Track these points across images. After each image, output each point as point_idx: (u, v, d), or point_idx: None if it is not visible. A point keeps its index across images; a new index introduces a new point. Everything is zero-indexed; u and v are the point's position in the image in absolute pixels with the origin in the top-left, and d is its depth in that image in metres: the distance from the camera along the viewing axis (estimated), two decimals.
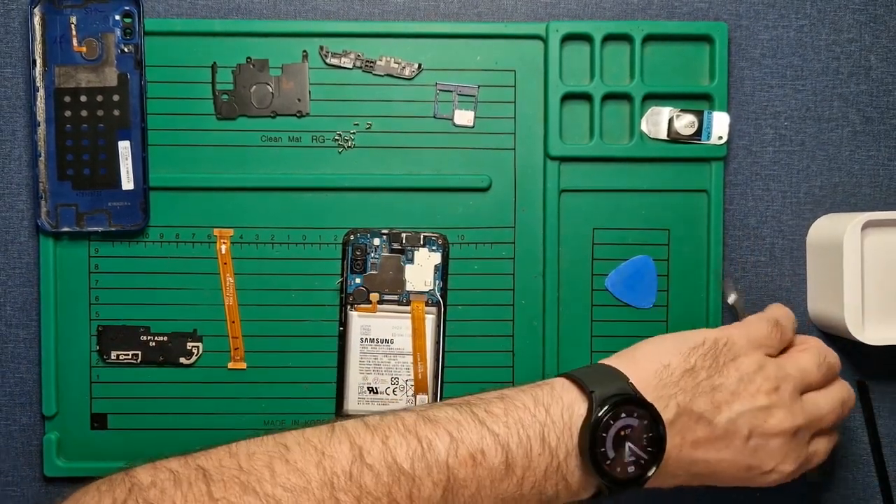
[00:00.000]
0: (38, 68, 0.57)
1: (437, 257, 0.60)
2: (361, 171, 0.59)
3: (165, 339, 0.59)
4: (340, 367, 0.60)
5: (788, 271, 0.61)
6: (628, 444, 0.45)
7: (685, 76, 0.60)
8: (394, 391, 0.59)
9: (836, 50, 0.61)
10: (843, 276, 0.56)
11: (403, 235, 0.59)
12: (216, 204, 0.59)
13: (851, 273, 0.56)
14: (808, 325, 0.61)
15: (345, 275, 0.59)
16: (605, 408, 0.44)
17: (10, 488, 0.60)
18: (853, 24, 0.61)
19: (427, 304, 0.59)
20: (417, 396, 0.60)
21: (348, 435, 0.43)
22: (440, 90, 0.59)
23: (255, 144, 0.59)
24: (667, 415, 0.45)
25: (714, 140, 0.59)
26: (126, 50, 0.58)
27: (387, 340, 0.59)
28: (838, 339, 0.61)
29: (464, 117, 0.60)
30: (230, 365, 0.60)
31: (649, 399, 0.45)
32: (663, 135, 0.60)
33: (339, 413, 0.60)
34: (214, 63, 0.59)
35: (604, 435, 0.44)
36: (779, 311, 0.54)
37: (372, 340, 0.59)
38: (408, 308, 0.59)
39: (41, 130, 0.58)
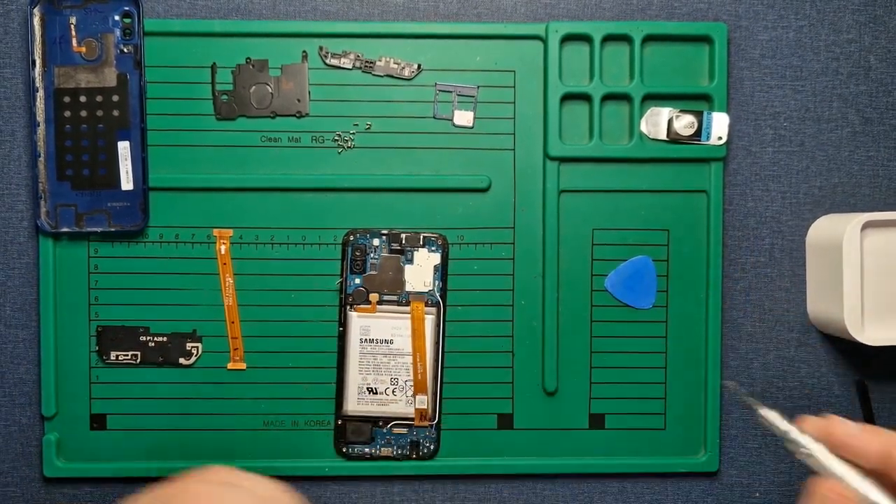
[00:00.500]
0: (38, 69, 0.57)
1: (436, 258, 0.60)
2: (361, 171, 0.59)
3: (165, 339, 0.59)
4: (340, 367, 0.60)
5: (788, 272, 0.61)
6: None
7: (685, 77, 0.60)
8: (393, 391, 0.59)
9: (835, 50, 0.61)
10: (843, 277, 0.56)
11: (403, 236, 0.59)
12: (216, 204, 0.59)
13: (851, 273, 0.56)
14: (807, 326, 0.61)
15: (344, 275, 0.59)
16: None
17: (9, 489, 0.60)
18: (852, 24, 0.61)
19: (426, 305, 0.59)
20: (417, 397, 0.60)
21: None
22: (440, 91, 0.59)
23: (255, 145, 0.59)
24: None
25: (713, 140, 0.59)
26: (125, 50, 0.58)
27: (386, 341, 0.59)
28: (837, 340, 0.61)
29: (463, 118, 0.60)
30: (230, 365, 0.60)
31: None
32: (663, 135, 0.60)
33: (339, 413, 0.60)
34: (214, 63, 0.59)
35: None
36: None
37: (371, 341, 0.59)
38: (407, 308, 0.59)
39: (41, 131, 0.58)
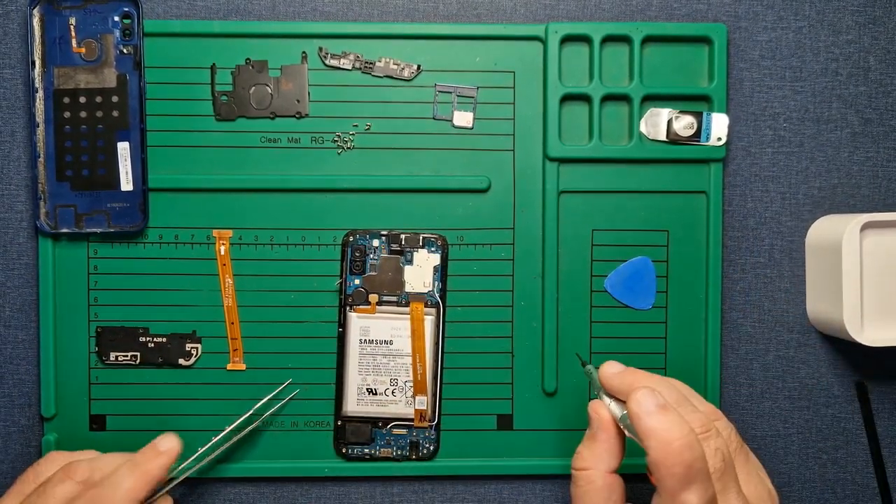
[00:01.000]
0: (37, 69, 0.57)
1: (436, 258, 0.60)
2: (360, 172, 0.59)
3: (164, 340, 0.59)
4: (339, 368, 0.60)
5: (787, 272, 0.61)
6: None
7: (684, 77, 0.60)
8: (393, 392, 0.59)
9: (834, 51, 0.61)
10: (842, 278, 0.56)
11: (402, 236, 0.59)
12: (215, 205, 0.59)
13: (850, 274, 0.56)
14: (807, 327, 0.61)
15: (344, 276, 0.59)
16: None
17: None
18: (852, 25, 0.61)
19: (426, 306, 0.59)
20: (416, 397, 0.60)
21: None
22: (439, 91, 0.59)
23: (255, 145, 0.59)
24: None
25: (713, 141, 0.59)
26: (125, 51, 0.58)
27: (386, 341, 0.59)
28: (837, 341, 0.61)
29: (463, 118, 0.60)
30: (229, 366, 0.60)
31: None
32: (662, 136, 0.60)
33: (339, 414, 0.60)
34: (213, 64, 0.59)
35: None
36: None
37: (371, 341, 0.59)
38: (407, 309, 0.59)
39: (40, 131, 0.58)
